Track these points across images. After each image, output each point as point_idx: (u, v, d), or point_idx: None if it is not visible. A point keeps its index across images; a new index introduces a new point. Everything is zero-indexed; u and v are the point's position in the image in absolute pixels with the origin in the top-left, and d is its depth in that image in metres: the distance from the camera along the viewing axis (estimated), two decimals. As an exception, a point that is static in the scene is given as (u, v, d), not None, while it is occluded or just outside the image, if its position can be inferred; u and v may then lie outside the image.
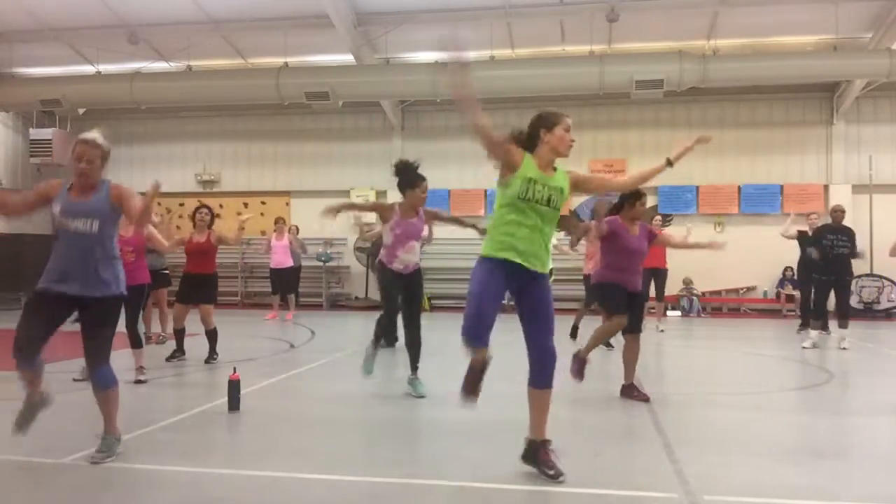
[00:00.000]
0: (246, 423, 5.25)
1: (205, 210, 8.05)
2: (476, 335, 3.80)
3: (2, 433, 4.40)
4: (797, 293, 12.76)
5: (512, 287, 3.95)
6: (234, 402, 5.47)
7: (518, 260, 3.85)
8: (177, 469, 4.07)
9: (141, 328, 6.90)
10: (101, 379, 4.23)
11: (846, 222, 9.81)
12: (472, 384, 3.84)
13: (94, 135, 4.25)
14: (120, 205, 4.25)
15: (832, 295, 9.68)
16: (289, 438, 4.84)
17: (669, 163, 4.30)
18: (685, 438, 4.82)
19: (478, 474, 3.95)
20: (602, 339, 6.19)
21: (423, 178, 6.12)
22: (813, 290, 10.03)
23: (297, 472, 4.03)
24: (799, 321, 11.64)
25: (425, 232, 6.79)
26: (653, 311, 12.13)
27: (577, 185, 4.08)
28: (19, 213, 4.51)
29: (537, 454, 3.98)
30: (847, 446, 4.93)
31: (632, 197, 6.13)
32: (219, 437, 5.00)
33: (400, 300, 6.11)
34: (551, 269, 4.71)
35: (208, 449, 4.64)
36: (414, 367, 6.21)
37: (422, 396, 6.06)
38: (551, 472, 3.89)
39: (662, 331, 11.33)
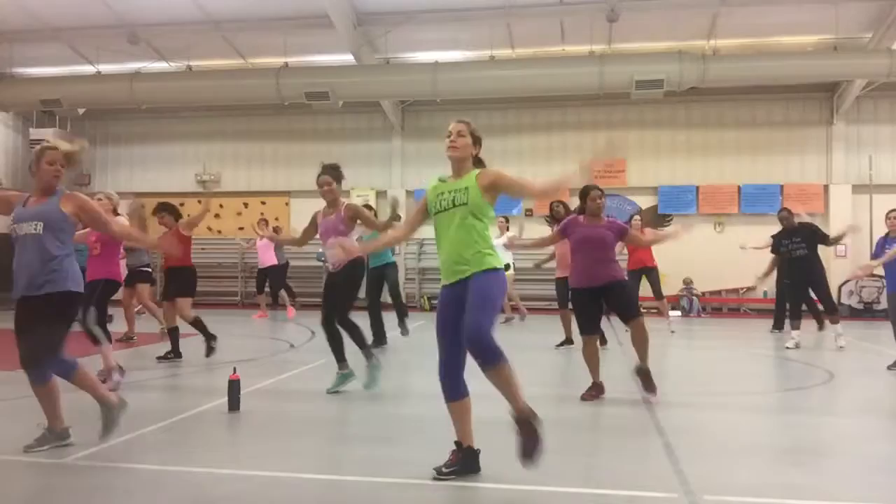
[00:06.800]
0: (246, 423, 5.25)
1: (163, 213, 7.86)
2: (447, 383, 3.90)
3: (2, 433, 4.40)
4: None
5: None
6: (234, 402, 5.47)
7: (445, 280, 3.96)
8: (177, 469, 4.07)
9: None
10: (35, 377, 4.26)
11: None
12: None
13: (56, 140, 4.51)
14: (75, 214, 4.37)
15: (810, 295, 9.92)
16: (289, 438, 4.84)
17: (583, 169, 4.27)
18: (685, 438, 4.81)
19: (477, 474, 3.95)
20: (593, 363, 6.15)
21: (320, 173, 6.19)
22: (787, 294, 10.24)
23: (297, 472, 4.03)
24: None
25: (356, 233, 6.62)
26: (654, 311, 12.09)
27: (495, 185, 3.91)
28: None
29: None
30: (847, 446, 4.93)
31: (582, 194, 6.14)
32: (219, 437, 5.00)
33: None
34: (507, 265, 4.71)
35: (208, 449, 4.63)
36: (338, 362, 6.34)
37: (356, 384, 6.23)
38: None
39: (673, 332, 11.18)
